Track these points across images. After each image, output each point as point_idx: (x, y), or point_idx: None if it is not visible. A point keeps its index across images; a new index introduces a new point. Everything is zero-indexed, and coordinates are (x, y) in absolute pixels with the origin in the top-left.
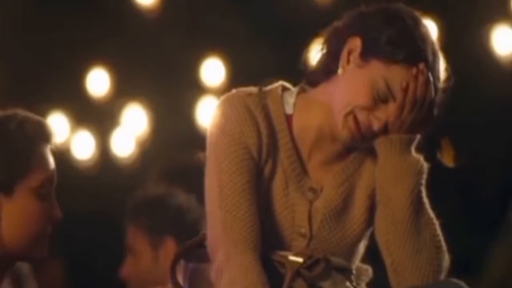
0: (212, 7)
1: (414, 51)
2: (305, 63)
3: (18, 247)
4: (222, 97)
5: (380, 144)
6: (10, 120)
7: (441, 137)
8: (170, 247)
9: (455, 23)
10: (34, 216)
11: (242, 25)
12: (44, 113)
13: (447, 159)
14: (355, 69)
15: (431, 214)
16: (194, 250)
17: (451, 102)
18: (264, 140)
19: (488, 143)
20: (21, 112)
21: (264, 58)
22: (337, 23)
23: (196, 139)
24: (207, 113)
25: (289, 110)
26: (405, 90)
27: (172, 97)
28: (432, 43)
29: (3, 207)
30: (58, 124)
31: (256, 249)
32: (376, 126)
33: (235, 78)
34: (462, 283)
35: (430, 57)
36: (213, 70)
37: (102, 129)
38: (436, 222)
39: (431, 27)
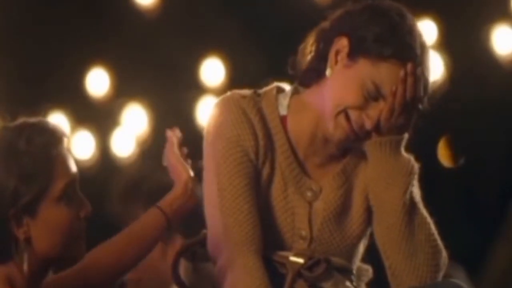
0: (212, 7)
1: (402, 46)
2: (293, 66)
3: (53, 257)
4: (217, 100)
5: (370, 146)
6: (17, 139)
7: (441, 137)
8: (179, 244)
9: (455, 23)
10: (62, 223)
11: (241, 25)
12: (44, 113)
13: (446, 159)
14: (343, 70)
15: (425, 213)
16: (195, 249)
17: (450, 102)
18: (261, 142)
19: (488, 143)
20: (26, 122)
21: (264, 58)
22: (324, 23)
23: (196, 139)
24: (207, 113)
25: (283, 111)
26: (394, 93)
27: (172, 97)
28: (420, 36)
29: (31, 228)
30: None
31: (258, 251)
32: (368, 124)
33: (235, 78)
34: (461, 283)
35: (418, 51)
36: (213, 70)
37: (102, 129)
38: (430, 221)
39: (431, 27)
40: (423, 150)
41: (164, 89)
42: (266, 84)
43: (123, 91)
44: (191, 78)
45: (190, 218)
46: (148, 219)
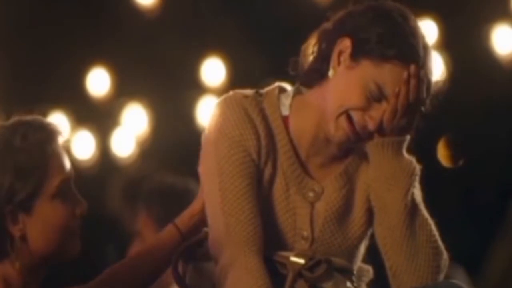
0: (212, 7)
1: (405, 47)
2: (294, 67)
3: (48, 254)
4: (219, 99)
5: (372, 147)
6: (13, 136)
7: (441, 137)
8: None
9: (455, 23)
10: (57, 220)
11: (242, 25)
12: (44, 113)
13: (446, 159)
14: (346, 71)
15: (426, 215)
16: (195, 249)
17: (450, 102)
18: (263, 142)
19: (488, 143)
20: (21, 120)
21: (264, 58)
22: (327, 24)
23: (196, 139)
24: (207, 113)
25: (285, 111)
26: (397, 95)
27: (172, 97)
28: (422, 37)
29: (26, 225)
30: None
31: (259, 251)
32: (371, 125)
33: (235, 78)
34: (461, 284)
35: (421, 52)
36: (213, 70)
37: (102, 129)
38: (431, 223)
39: (431, 27)
40: (423, 150)
41: (164, 89)
42: (267, 84)
43: (123, 91)
44: (191, 78)
45: None
46: (163, 237)
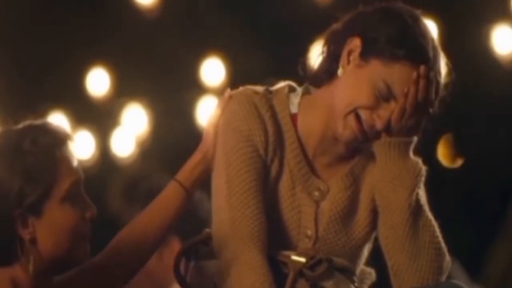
0: (212, 7)
1: (415, 47)
2: (304, 67)
3: (57, 258)
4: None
5: (379, 147)
6: (22, 140)
7: (441, 137)
8: (174, 246)
9: (455, 23)
10: (67, 223)
11: (242, 25)
12: (44, 113)
13: (446, 159)
14: (355, 70)
15: (430, 216)
16: (197, 248)
17: (451, 102)
18: (271, 139)
19: (488, 143)
20: (31, 124)
21: (264, 58)
22: (336, 25)
23: (196, 139)
24: (207, 113)
25: (294, 110)
26: (406, 95)
27: (172, 97)
28: (432, 39)
29: (36, 229)
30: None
31: (263, 248)
32: (379, 125)
33: (235, 78)
34: (462, 284)
35: (430, 53)
36: (213, 70)
37: (102, 129)
38: (435, 224)
39: (431, 27)
40: (423, 150)
41: (164, 89)
42: (267, 84)
43: (123, 91)
44: (191, 78)
45: (187, 219)
46: (168, 195)
